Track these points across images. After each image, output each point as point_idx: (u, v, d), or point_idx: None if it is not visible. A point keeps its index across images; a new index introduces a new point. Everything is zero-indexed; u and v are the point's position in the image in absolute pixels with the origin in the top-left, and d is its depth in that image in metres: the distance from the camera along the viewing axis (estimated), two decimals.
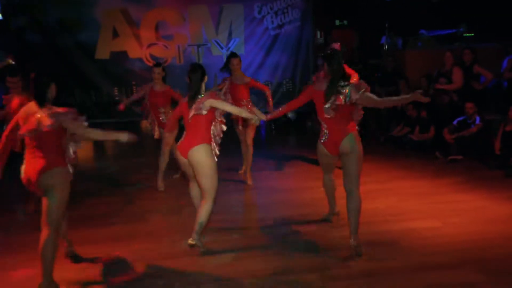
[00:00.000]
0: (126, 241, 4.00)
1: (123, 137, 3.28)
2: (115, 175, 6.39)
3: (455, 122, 6.42)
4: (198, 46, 9.14)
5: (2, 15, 9.07)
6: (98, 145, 8.12)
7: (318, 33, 10.13)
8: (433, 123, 6.87)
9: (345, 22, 9.47)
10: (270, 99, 5.38)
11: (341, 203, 3.95)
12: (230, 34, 9.27)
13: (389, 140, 7.55)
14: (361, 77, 4.38)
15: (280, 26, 9.31)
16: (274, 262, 3.49)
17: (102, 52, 8.81)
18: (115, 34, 8.81)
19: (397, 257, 3.51)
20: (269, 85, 9.69)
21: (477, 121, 6.23)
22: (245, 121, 5.16)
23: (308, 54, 9.39)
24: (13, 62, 9.58)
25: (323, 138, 3.65)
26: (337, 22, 9.55)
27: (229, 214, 4.61)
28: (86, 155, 7.51)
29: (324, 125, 3.63)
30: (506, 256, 3.47)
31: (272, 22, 9.28)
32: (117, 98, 8.91)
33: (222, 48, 9.31)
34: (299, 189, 5.32)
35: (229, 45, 9.30)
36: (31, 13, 8.48)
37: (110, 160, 7.60)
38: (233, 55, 5.37)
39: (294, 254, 3.61)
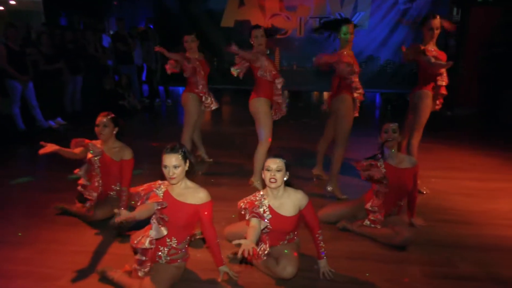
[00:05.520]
0: None
1: None
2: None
3: None
4: (320, 18, 8.98)
5: None
6: None
7: (455, 9, 9.20)
8: None
9: None
10: None
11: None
12: (355, 8, 8.91)
13: None
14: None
15: (411, 0, 8.66)
16: None
17: (228, 20, 9.19)
18: (241, 3, 9.08)
19: None
20: (391, 64, 9.14)
21: None
22: None
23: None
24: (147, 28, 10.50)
25: None
26: None
27: None
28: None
29: None
30: None
31: None
32: None
33: None
34: None
35: (353, 19, 8.95)
36: None
37: None
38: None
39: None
